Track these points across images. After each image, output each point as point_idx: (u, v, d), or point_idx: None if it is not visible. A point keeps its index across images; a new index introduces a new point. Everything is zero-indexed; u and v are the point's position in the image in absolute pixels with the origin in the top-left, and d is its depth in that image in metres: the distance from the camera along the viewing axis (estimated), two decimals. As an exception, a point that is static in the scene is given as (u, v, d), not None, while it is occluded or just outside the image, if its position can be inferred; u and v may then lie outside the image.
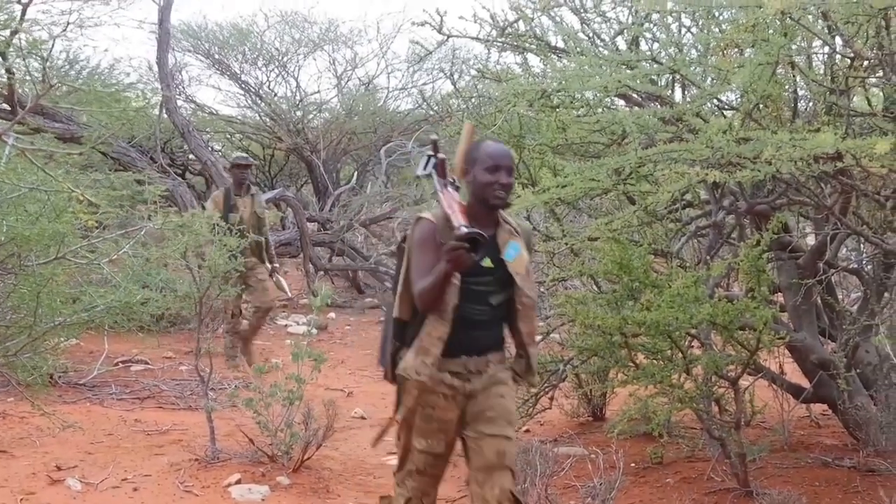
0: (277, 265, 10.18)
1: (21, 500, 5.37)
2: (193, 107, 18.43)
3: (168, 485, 5.74)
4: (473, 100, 7.39)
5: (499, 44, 6.51)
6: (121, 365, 9.32)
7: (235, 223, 8.87)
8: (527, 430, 7.32)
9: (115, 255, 6.26)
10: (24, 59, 7.70)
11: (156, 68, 14.96)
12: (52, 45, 8.30)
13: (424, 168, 3.95)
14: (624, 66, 5.16)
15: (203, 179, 16.55)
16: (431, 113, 15.86)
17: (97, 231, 6.45)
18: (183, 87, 17.99)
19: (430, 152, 3.94)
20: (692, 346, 5.82)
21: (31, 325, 5.98)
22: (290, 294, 11.39)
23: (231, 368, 9.42)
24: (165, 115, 14.49)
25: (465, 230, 3.53)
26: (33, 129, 11.41)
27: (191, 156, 16.09)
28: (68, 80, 12.67)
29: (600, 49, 6.15)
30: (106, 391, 8.22)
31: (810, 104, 5.66)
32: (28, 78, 9.62)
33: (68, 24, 9.81)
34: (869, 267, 6.72)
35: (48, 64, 6.56)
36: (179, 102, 16.08)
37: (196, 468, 6.02)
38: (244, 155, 10.73)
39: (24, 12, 6.80)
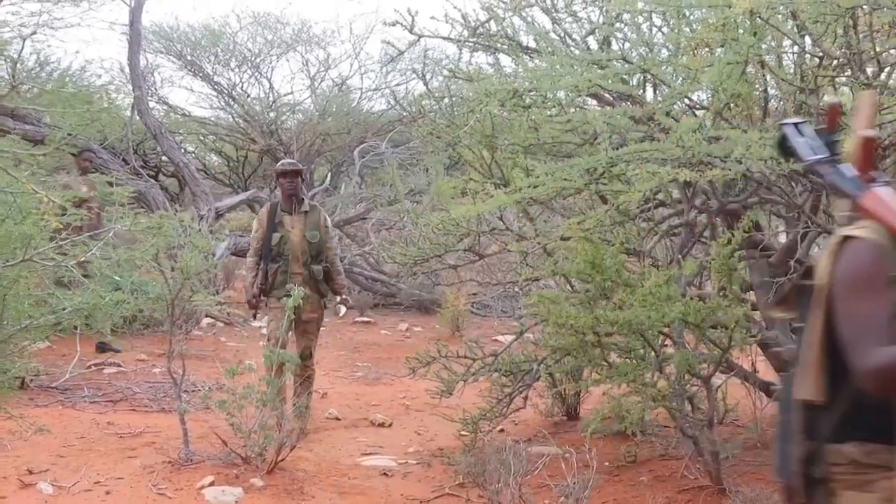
0: (347, 297, 8.32)
1: (-9, 504, 5.34)
2: (166, 108, 18.35)
3: (141, 487, 5.70)
4: (446, 100, 7.38)
5: (470, 44, 6.52)
6: (93, 367, 9.25)
7: (276, 245, 7.58)
8: (501, 430, 7.32)
9: (83, 257, 6.22)
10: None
11: (127, 70, 14.90)
12: (23, 47, 8.24)
13: (814, 151, 2.50)
14: (595, 66, 5.18)
15: (176, 181, 16.49)
16: (405, 114, 15.84)
17: (66, 233, 6.40)
18: (155, 89, 17.90)
19: (796, 123, 2.58)
20: (665, 345, 5.84)
21: (-2, 327, 5.94)
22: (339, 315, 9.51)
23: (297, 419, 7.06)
24: (137, 117, 14.43)
25: None
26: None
27: (164, 158, 16.03)
28: (39, 82, 12.60)
29: (571, 49, 6.16)
30: (78, 394, 8.16)
31: (780, 103, 5.69)
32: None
33: (38, 25, 9.75)
34: (839, 265, 6.75)
35: (18, 66, 6.50)
36: (152, 104, 16.02)
37: (169, 470, 5.99)
38: (290, 161, 8.37)
39: (-8, 13, 6.72)
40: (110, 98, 14.70)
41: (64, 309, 6.05)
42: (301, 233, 7.66)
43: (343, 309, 8.59)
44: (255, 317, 8.29)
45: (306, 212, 7.79)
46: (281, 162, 8.39)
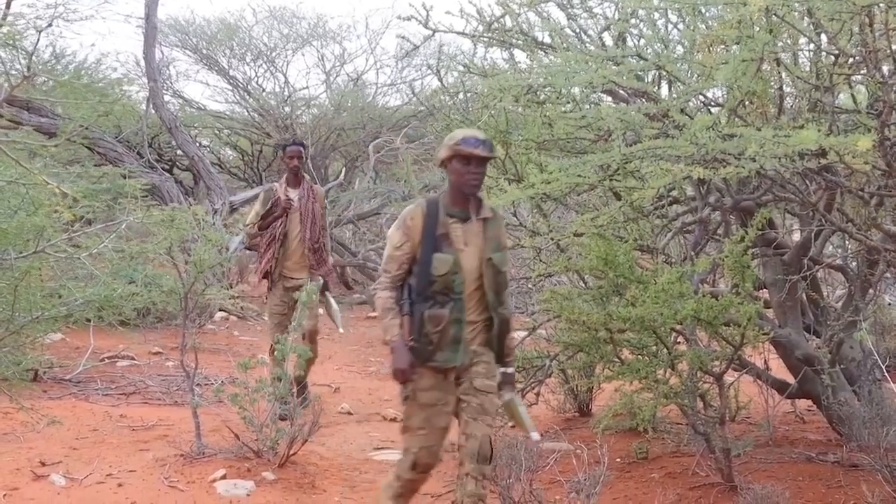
0: (512, 371, 4.82)
1: (5, 495, 5.35)
2: (181, 102, 18.42)
3: (153, 480, 5.72)
4: (460, 95, 7.37)
5: (485, 39, 6.50)
6: (106, 360, 9.29)
7: (441, 276, 4.43)
8: (512, 426, 7.32)
9: (95, 249, 6.24)
10: (6, 53, 7.70)
11: (143, 63, 14.95)
12: (38, 39, 8.26)
13: None
14: (610, 62, 5.16)
15: (191, 175, 16.55)
16: (420, 109, 15.83)
17: (79, 225, 6.42)
18: (170, 82, 17.99)
19: None
20: (677, 342, 5.83)
21: (9, 318, 5.95)
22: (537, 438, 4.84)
23: None
24: (153, 111, 14.48)
25: None
26: (11, 121, 11.43)
27: (179, 151, 16.08)
28: (54, 75, 12.66)
29: (587, 45, 6.15)
30: (91, 387, 8.20)
31: (795, 101, 5.67)
32: (13, 72, 9.60)
33: (54, 17, 9.78)
34: (853, 263, 6.74)
35: (33, 58, 6.52)
36: (167, 97, 16.07)
37: (181, 463, 6.00)
38: (476, 136, 4.45)
39: (8, 6, 6.71)
40: (125, 90, 14.75)
41: (76, 300, 6.08)
42: (480, 253, 4.51)
43: (522, 412, 4.80)
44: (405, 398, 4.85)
45: (486, 219, 4.58)
46: (462, 134, 4.51)
